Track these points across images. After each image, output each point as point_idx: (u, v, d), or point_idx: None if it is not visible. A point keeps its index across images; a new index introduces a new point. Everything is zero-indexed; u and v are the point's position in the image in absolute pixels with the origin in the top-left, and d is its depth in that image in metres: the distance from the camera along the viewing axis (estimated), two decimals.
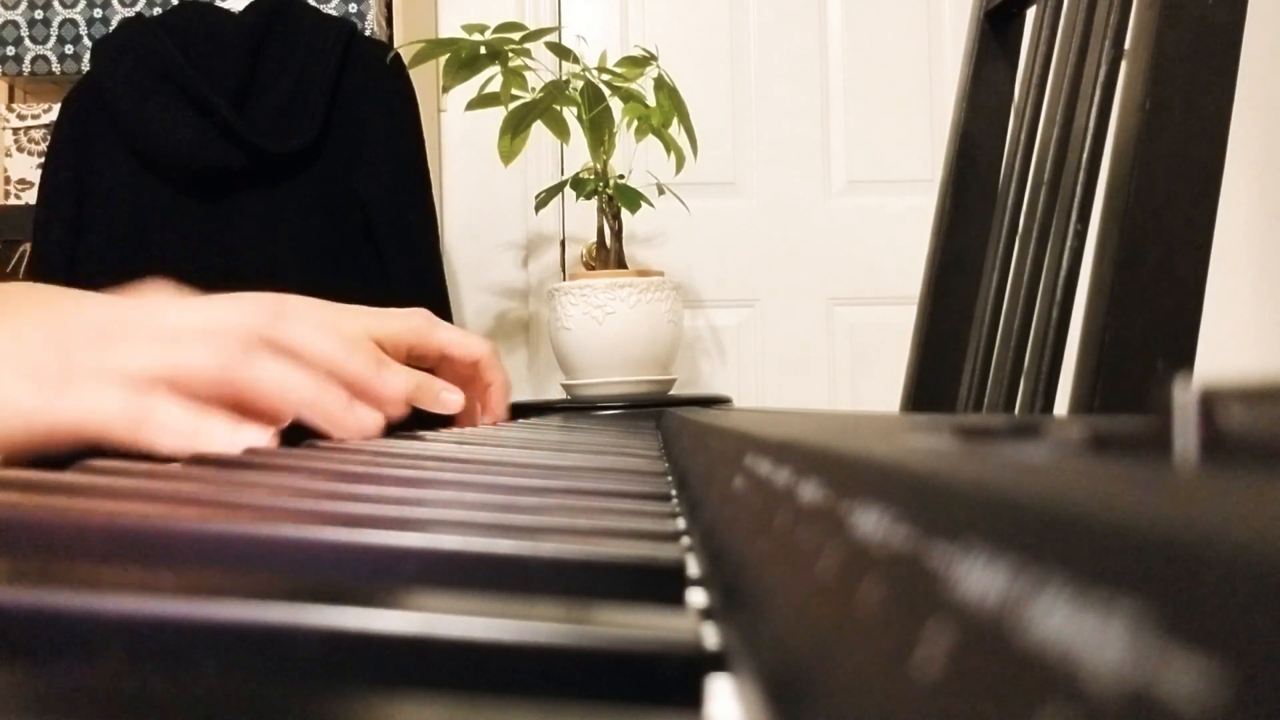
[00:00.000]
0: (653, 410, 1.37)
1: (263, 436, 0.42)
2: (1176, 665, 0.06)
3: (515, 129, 1.52)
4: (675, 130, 1.55)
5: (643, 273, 1.58)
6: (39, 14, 1.65)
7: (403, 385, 0.52)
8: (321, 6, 1.61)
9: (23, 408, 0.40)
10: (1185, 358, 0.59)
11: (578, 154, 1.70)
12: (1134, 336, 0.59)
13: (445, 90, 1.59)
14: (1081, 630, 0.07)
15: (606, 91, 1.53)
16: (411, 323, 0.62)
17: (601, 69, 1.55)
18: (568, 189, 1.60)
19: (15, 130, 1.70)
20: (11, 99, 1.77)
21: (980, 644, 0.08)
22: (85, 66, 1.62)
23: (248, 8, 1.55)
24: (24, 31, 1.66)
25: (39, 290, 0.45)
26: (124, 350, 0.42)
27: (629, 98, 1.54)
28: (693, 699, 0.13)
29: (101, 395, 0.41)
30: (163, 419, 0.41)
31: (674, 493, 0.34)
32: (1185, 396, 0.11)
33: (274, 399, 0.45)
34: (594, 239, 1.62)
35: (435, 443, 0.49)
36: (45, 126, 1.67)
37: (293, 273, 1.47)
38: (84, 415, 0.40)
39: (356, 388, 0.49)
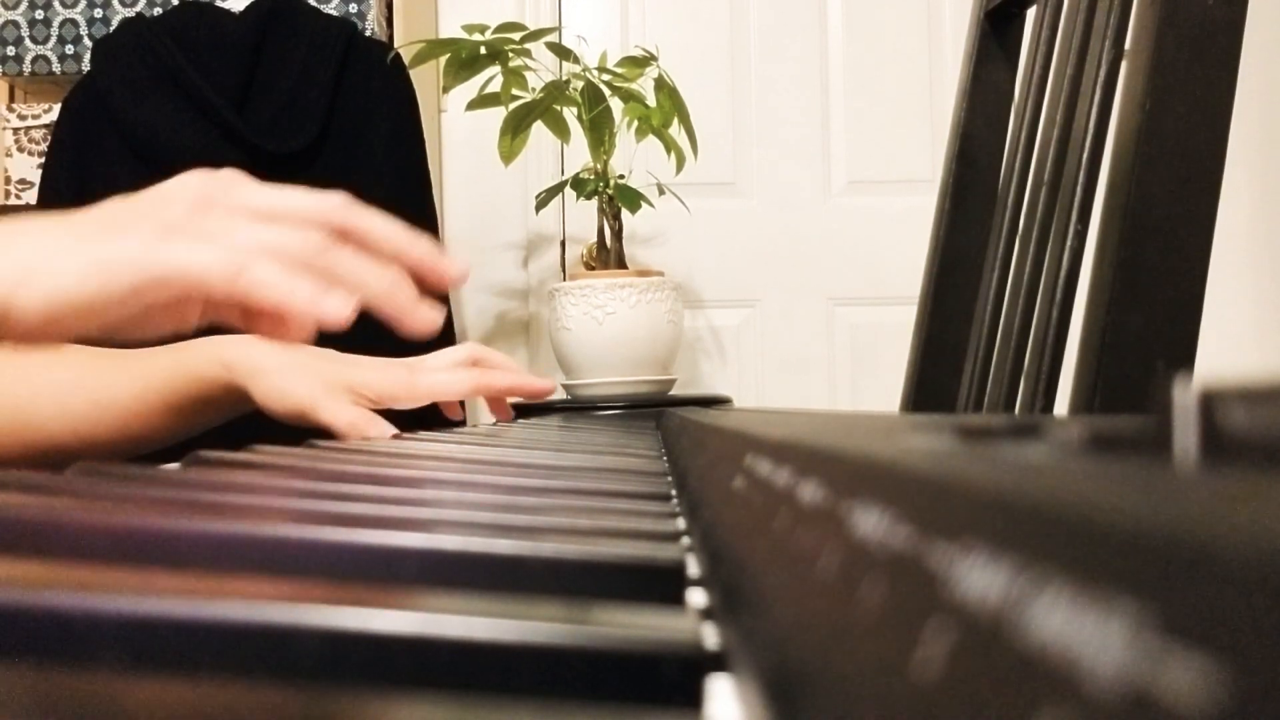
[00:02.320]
0: (653, 410, 1.37)
1: (345, 306, 0.45)
2: (1176, 665, 0.06)
3: (515, 129, 1.52)
4: (675, 130, 1.55)
5: (643, 273, 1.58)
6: (39, 14, 1.65)
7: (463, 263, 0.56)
8: (322, 6, 1.61)
9: (128, 254, 0.43)
10: (1185, 358, 0.59)
11: (578, 154, 1.70)
12: (1134, 336, 0.59)
13: (445, 90, 1.59)
14: (1081, 631, 0.07)
15: (607, 92, 1.53)
16: (392, 375, 0.67)
17: (602, 69, 1.55)
18: (568, 189, 1.60)
19: (15, 130, 1.70)
20: (11, 99, 1.77)
21: (980, 644, 0.08)
22: (85, 66, 1.62)
23: (248, 8, 1.54)
24: (24, 31, 1.66)
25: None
26: (220, 220, 0.46)
27: (629, 98, 1.54)
28: (693, 699, 0.13)
29: (202, 249, 0.44)
30: (259, 274, 0.44)
31: (674, 493, 0.34)
32: (1185, 396, 0.11)
33: (352, 288, 0.48)
34: (594, 239, 1.62)
35: (435, 443, 0.49)
36: (45, 126, 1.67)
37: None
38: (186, 263, 0.43)
39: (415, 269, 0.53)
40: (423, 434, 0.59)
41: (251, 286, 0.44)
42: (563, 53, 1.57)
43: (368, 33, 1.63)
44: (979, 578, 0.08)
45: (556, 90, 1.51)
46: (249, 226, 0.46)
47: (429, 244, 0.53)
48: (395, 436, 0.52)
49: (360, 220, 0.51)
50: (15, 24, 1.66)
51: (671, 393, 1.59)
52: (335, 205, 0.50)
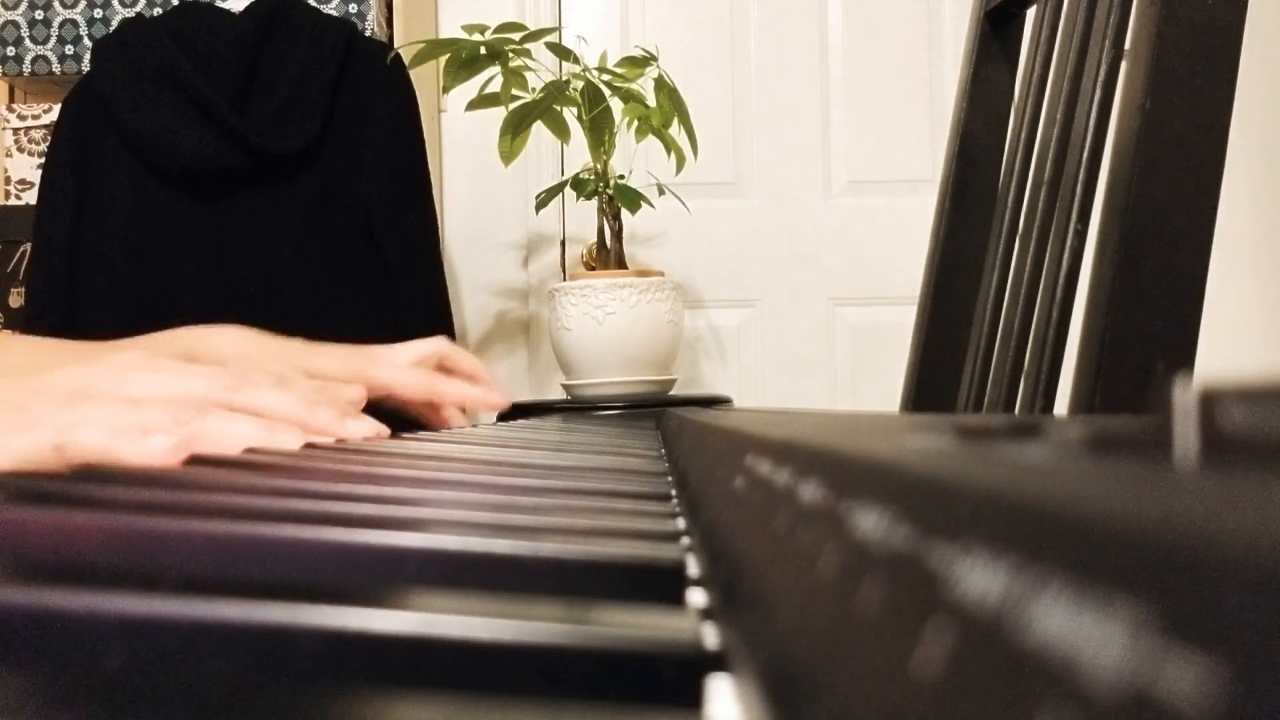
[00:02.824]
0: (653, 410, 1.37)
1: (168, 440, 0.43)
2: (1176, 665, 0.06)
3: (515, 129, 1.52)
4: (675, 130, 1.55)
5: (643, 273, 1.58)
6: (39, 14, 1.65)
7: (329, 420, 0.54)
8: (321, 7, 1.61)
9: None
10: (1185, 358, 0.59)
11: (578, 154, 1.70)
12: (1134, 336, 0.59)
13: (445, 90, 1.59)
14: (1081, 630, 0.06)
15: (607, 92, 1.53)
16: (348, 364, 0.67)
17: (602, 69, 1.55)
18: (568, 189, 1.60)
19: (15, 130, 1.70)
20: (11, 99, 1.77)
21: (980, 644, 0.08)
22: (85, 67, 1.62)
23: (248, 8, 1.54)
24: (24, 32, 1.66)
25: (21, 345, 0.47)
26: (83, 412, 0.45)
27: (629, 98, 1.54)
28: (693, 699, 0.13)
29: (37, 434, 0.44)
30: (83, 438, 0.43)
31: (674, 493, 0.34)
32: (1185, 396, 0.11)
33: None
34: (594, 239, 1.62)
35: (435, 443, 0.49)
36: (45, 126, 1.67)
37: (293, 273, 1.47)
38: (20, 453, 0.43)
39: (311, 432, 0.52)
40: (422, 434, 0.59)
41: (78, 450, 0.43)
42: (563, 53, 1.57)
43: (368, 33, 1.63)
44: (979, 578, 0.08)
45: (556, 90, 1.51)
46: (112, 412, 0.45)
47: (327, 414, 0.52)
48: (394, 436, 0.52)
49: (247, 400, 0.49)
50: (15, 24, 1.65)
51: (671, 393, 1.59)
52: (221, 388, 0.49)
